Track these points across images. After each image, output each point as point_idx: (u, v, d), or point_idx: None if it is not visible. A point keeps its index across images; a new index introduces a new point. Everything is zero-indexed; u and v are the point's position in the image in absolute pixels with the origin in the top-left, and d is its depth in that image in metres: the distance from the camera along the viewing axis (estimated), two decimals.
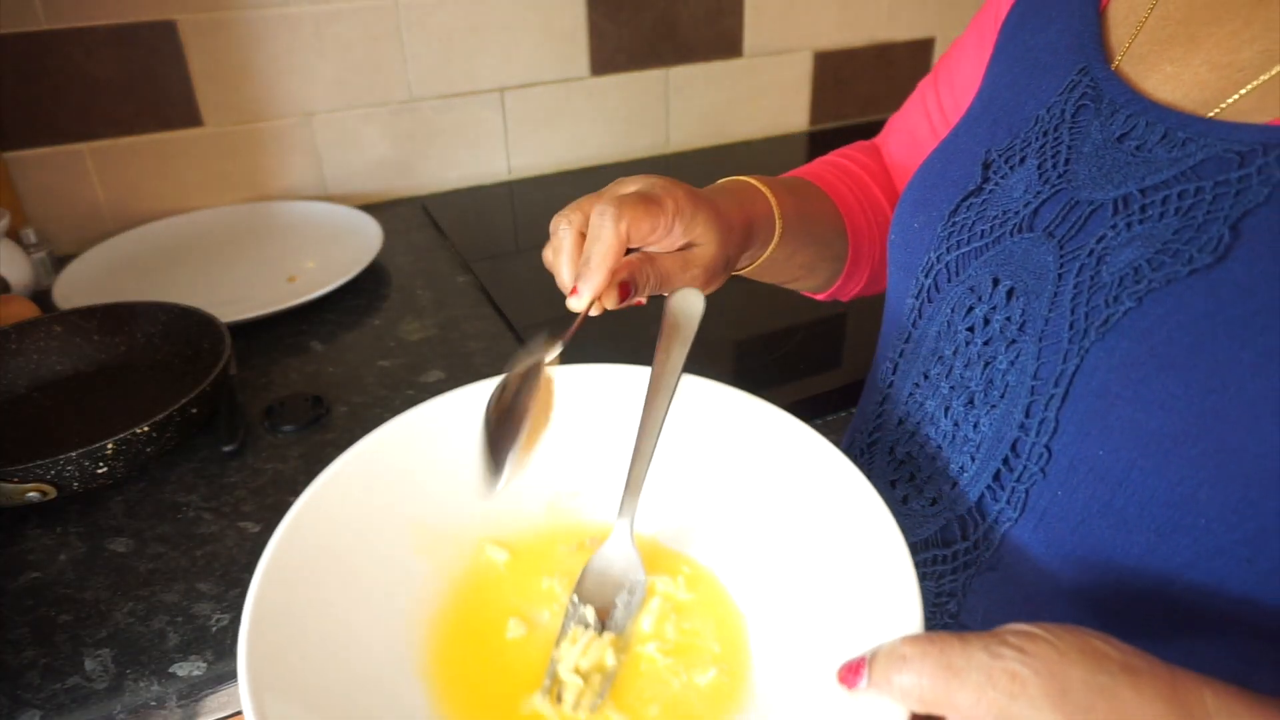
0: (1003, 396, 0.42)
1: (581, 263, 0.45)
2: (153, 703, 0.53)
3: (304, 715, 0.33)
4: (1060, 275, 0.40)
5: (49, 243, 1.01)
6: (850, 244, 0.65)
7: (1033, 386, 0.40)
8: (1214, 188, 0.36)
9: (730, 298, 1.01)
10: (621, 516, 0.43)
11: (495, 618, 0.42)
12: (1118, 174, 0.40)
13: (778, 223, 0.56)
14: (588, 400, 0.49)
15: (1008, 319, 0.42)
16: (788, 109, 1.42)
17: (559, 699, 0.37)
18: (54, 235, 1.04)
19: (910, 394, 0.48)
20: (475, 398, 0.47)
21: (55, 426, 0.74)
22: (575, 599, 0.42)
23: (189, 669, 0.54)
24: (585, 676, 0.38)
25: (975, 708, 0.30)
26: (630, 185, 0.48)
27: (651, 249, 0.48)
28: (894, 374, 0.50)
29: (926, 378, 0.46)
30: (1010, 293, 0.42)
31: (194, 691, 0.54)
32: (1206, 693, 0.30)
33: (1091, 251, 0.39)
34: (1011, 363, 0.41)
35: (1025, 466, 0.41)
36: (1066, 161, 0.42)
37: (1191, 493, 0.35)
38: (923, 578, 0.46)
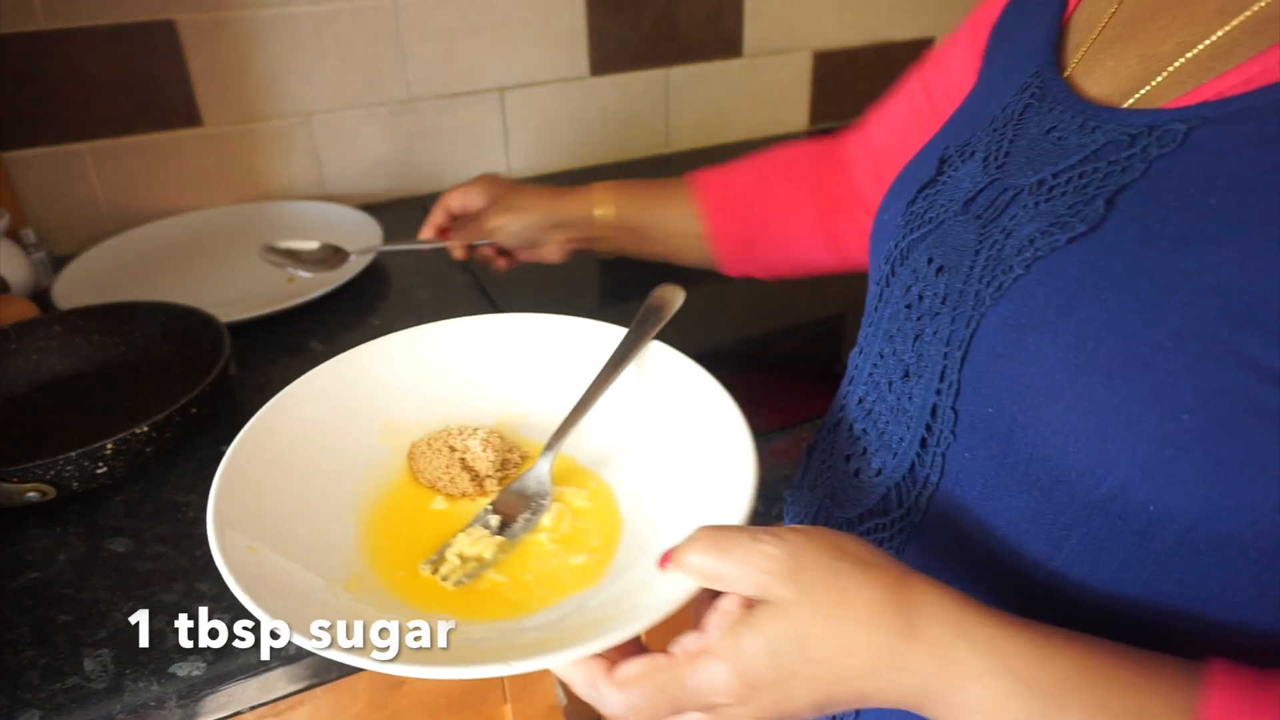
0: (926, 366, 0.45)
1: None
2: (152, 703, 0.53)
3: (252, 548, 0.44)
4: (978, 251, 0.43)
5: (48, 243, 1.01)
6: (708, 228, 0.77)
7: (945, 353, 0.43)
8: (1106, 167, 0.39)
9: (731, 298, 1.02)
10: (547, 451, 0.53)
11: (428, 494, 0.54)
12: (1038, 161, 0.43)
13: (601, 194, 0.79)
14: (553, 345, 0.60)
15: (935, 294, 0.45)
16: (787, 109, 1.42)
17: (435, 570, 0.48)
18: (54, 235, 1.04)
19: (870, 374, 0.51)
20: (457, 330, 0.61)
21: (55, 426, 0.74)
22: (489, 507, 0.52)
23: (188, 669, 0.54)
24: (464, 560, 0.48)
25: (740, 581, 0.37)
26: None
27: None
28: (859, 355, 0.53)
29: (882, 356, 0.49)
30: (940, 270, 0.45)
31: (193, 692, 0.54)
32: (927, 591, 0.36)
33: (1003, 229, 0.42)
34: (934, 334, 0.44)
35: (940, 430, 0.44)
36: (1006, 154, 0.45)
37: (1062, 446, 0.37)
38: None
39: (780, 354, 0.89)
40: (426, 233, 0.85)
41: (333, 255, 0.95)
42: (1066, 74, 0.46)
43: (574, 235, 0.81)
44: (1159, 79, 0.40)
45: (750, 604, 0.37)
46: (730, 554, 0.37)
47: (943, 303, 0.44)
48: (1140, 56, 0.42)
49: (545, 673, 0.71)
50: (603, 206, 0.78)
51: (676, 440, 0.52)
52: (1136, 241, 0.36)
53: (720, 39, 1.31)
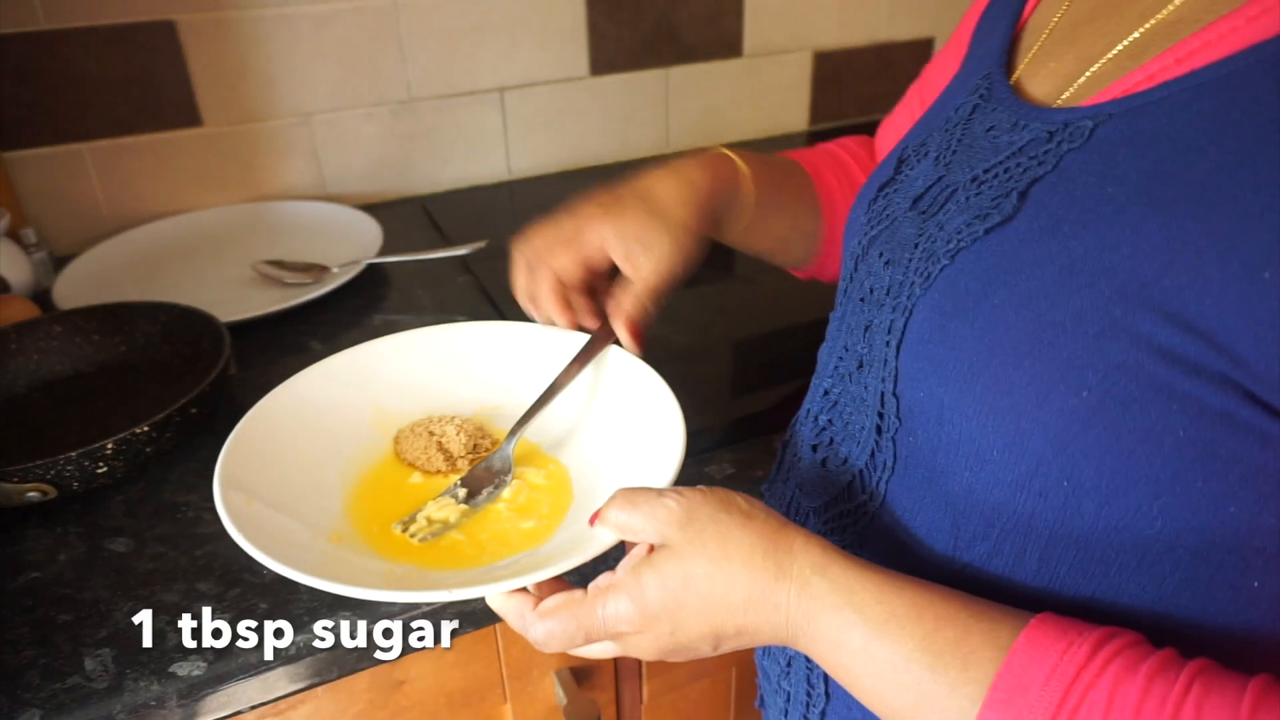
0: (874, 356, 0.47)
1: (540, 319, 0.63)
2: (152, 702, 0.53)
3: (250, 501, 0.51)
4: (917, 244, 0.45)
5: (49, 243, 1.01)
6: (825, 224, 0.70)
7: (886, 341, 0.46)
8: (1026, 162, 0.41)
9: (731, 298, 1.02)
10: (511, 435, 0.59)
11: (407, 471, 0.60)
12: (975, 158, 0.45)
13: (749, 190, 0.64)
14: (526, 348, 0.65)
15: (881, 287, 0.47)
16: (787, 109, 1.42)
17: (405, 529, 0.54)
18: (54, 235, 1.04)
19: (835, 367, 0.53)
20: (446, 333, 0.66)
21: (55, 426, 0.74)
22: (458, 481, 0.57)
23: (189, 669, 0.54)
24: (431, 522, 0.54)
25: (644, 531, 0.43)
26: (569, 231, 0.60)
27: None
28: (826, 350, 0.55)
29: (846, 350, 0.51)
30: (887, 264, 0.48)
31: (194, 691, 0.54)
32: (797, 538, 0.41)
33: (939, 223, 0.45)
34: (879, 324, 0.47)
35: (888, 416, 0.46)
36: (953, 152, 0.47)
37: (981, 427, 0.40)
38: (831, 532, 0.51)
39: (780, 354, 0.89)
40: (554, 305, 0.61)
41: (320, 270, 0.97)
42: (1015, 76, 0.48)
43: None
44: (1083, 79, 0.43)
45: (653, 550, 0.43)
46: (639, 508, 0.43)
47: (886, 294, 0.47)
48: (1077, 58, 0.44)
49: (546, 674, 0.71)
50: (748, 189, 0.64)
51: (624, 428, 0.59)
52: (1044, 230, 0.39)
53: (720, 39, 1.31)
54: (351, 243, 1.03)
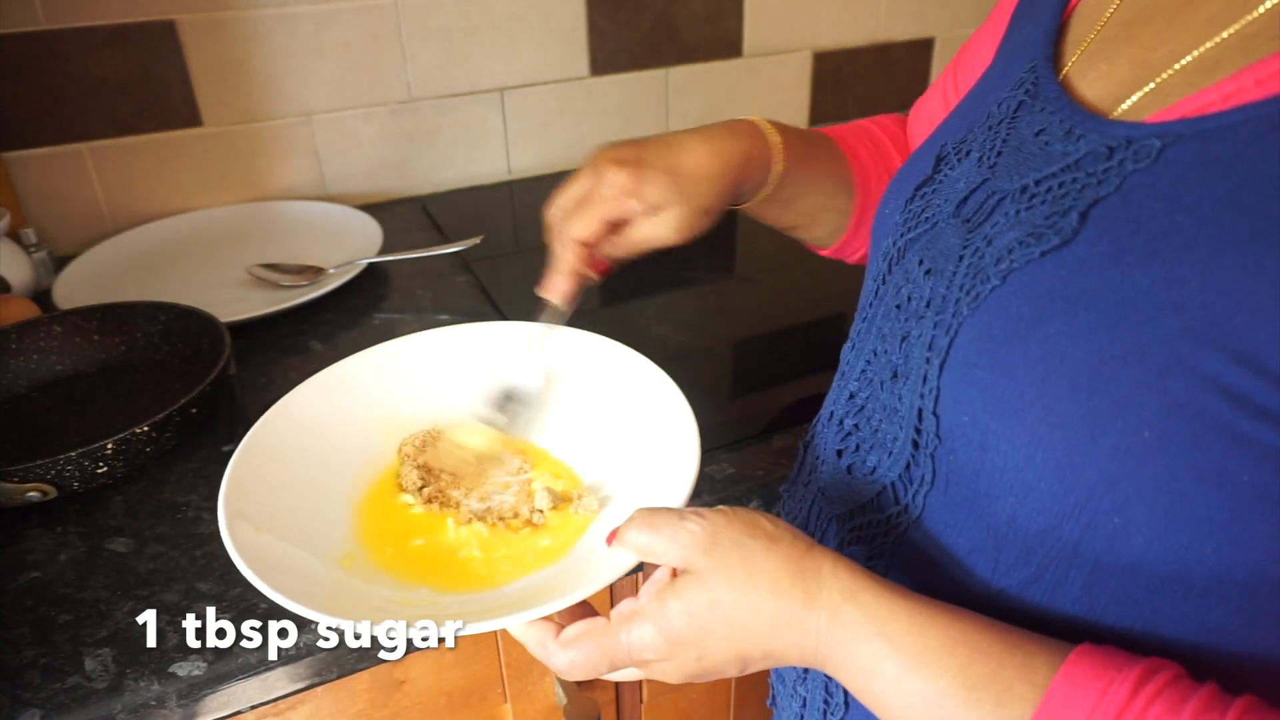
0: (913, 369, 0.45)
1: (547, 279, 0.59)
2: (153, 702, 0.53)
3: (258, 531, 0.49)
4: (961, 256, 0.43)
5: (49, 243, 1.01)
6: (857, 202, 0.67)
7: (926, 358, 0.44)
8: (1084, 178, 0.39)
9: (731, 298, 1.02)
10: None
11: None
12: (1025, 166, 0.43)
13: (778, 163, 0.61)
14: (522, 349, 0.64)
15: (921, 297, 0.45)
16: (787, 109, 1.42)
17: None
18: (54, 235, 1.04)
19: (862, 370, 0.51)
20: (453, 337, 0.65)
21: (55, 426, 0.74)
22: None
23: (189, 669, 0.54)
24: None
25: (666, 554, 0.42)
26: (589, 184, 0.57)
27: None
28: (851, 351, 0.53)
29: (875, 355, 0.50)
30: (928, 273, 0.45)
31: (194, 691, 0.54)
32: (826, 562, 0.40)
33: (986, 236, 0.42)
34: (918, 337, 0.45)
35: (927, 433, 0.44)
36: (998, 154, 0.45)
37: (1030, 457, 0.38)
38: (856, 541, 0.50)
39: (780, 354, 0.89)
40: (563, 285, 0.59)
41: (314, 271, 0.97)
42: (1064, 73, 0.45)
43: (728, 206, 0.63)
44: (1146, 89, 0.40)
45: (676, 574, 0.42)
46: (660, 531, 0.42)
47: (927, 306, 0.45)
48: (1132, 63, 0.42)
49: (546, 674, 0.71)
50: (778, 164, 0.62)
51: (641, 444, 0.57)
52: (1106, 256, 0.37)
53: (720, 39, 1.31)
54: (351, 243, 1.03)
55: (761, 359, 0.89)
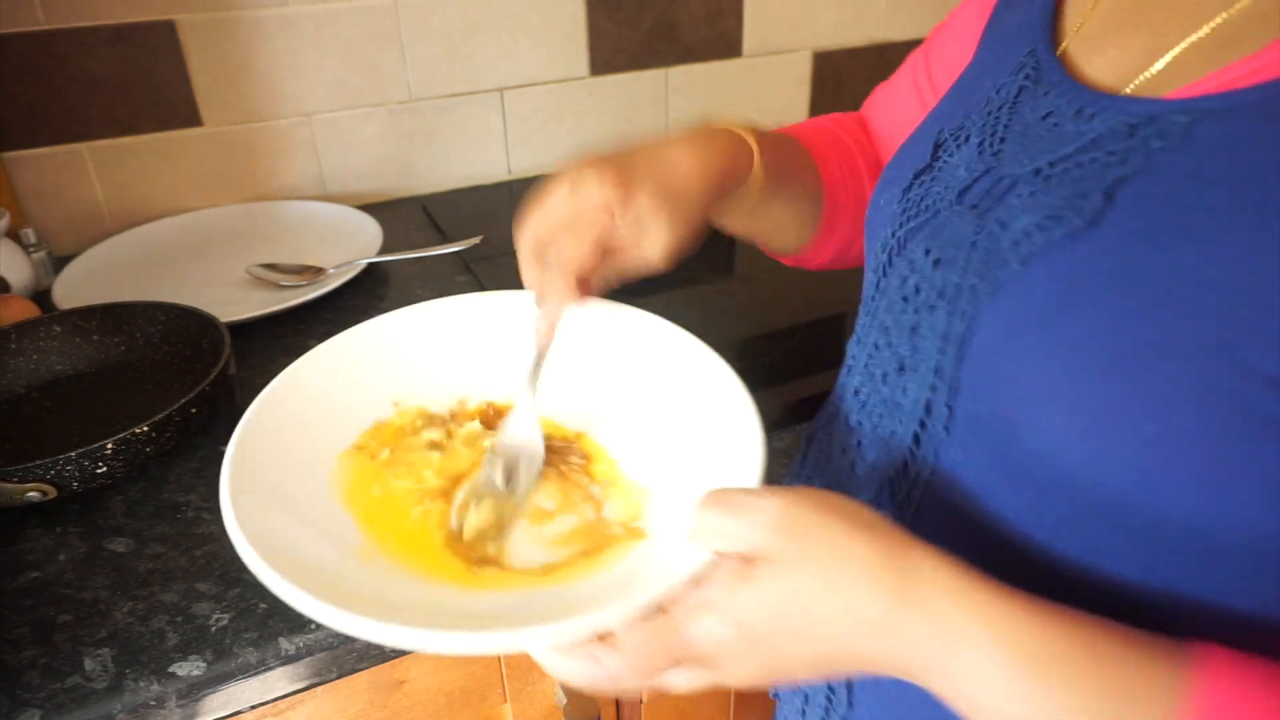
0: (921, 361, 0.44)
1: (540, 316, 0.55)
2: (152, 702, 0.53)
3: (265, 509, 0.45)
4: (974, 244, 0.42)
5: (48, 243, 1.01)
6: (825, 210, 0.65)
7: (940, 348, 0.42)
8: (1104, 157, 0.37)
9: (730, 298, 1.02)
10: (522, 402, 0.55)
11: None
12: (1034, 149, 0.41)
13: (755, 173, 0.57)
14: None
15: (931, 288, 0.44)
16: (787, 109, 1.42)
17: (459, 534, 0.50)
18: (53, 235, 1.04)
19: (865, 365, 0.50)
20: (465, 305, 0.62)
21: (55, 426, 0.74)
22: (487, 458, 0.54)
23: (189, 669, 0.54)
24: (482, 534, 0.49)
25: (739, 538, 0.37)
26: (569, 208, 0.52)
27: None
28: (856, 345, 0.52)
29: (878, 348, 0.48)
30: (936, 262, 0.44)
31: (194, 691, 0.54)
32: (924, 556, 0.36)
33: (1000, 220, 0.41)
34: (930, 328, 0.43)
35: (934, 427, 0.42)
36: (1001, 140, 0.44)
37: (1059, 447, 0.36)
38: None
39: (780, 353, 0.89)
40: (554, 316, 0.55)
41: (313, 271, 0.97)
42: (1060, 50, 0.44)
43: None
44: (1159, 65, 0.39)
45: (749, 560, 0.37)
46: (732, 511, 0.38)
47: (939, 296, 0.43)
48: (1145, 47, 0.41)
49: (546, 674, 0.71)
50: (757, 173, 0.58)
51: (690, 427, 0.52)
52: (1135, 238, 0.35)
53: (720, 39, 1.31)
54: (351, 243, 1.03)
55: (761, 359, 0.89)
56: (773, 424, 0.76)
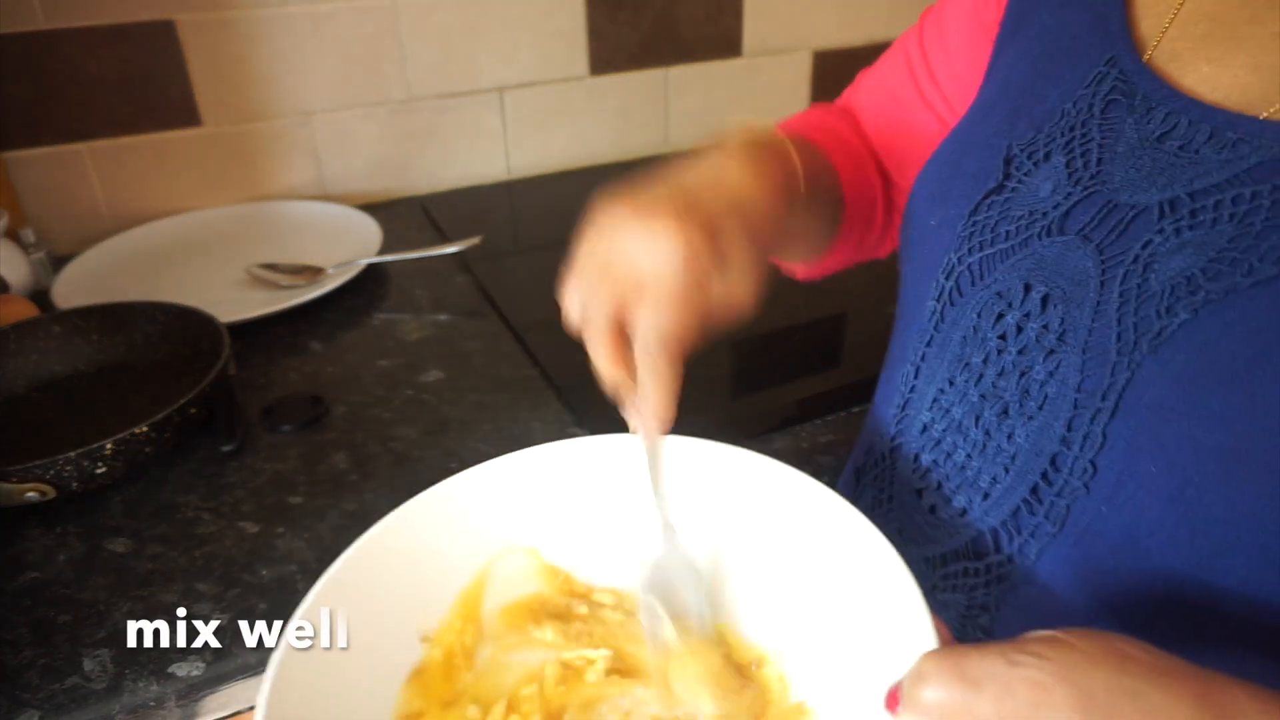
0: (1041, 408, 0.40)
1: (644, 414, 0.42)
2: (151, 703, 0.53)
3: None
4: (1103, 283, 0.38)
5: (48, 243, 1.01)
6: (845, 216, 0.61)
7: (1075, 399, 0.38)
8: (1271, 192, 0.34)
9: None
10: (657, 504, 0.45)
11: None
12: (1161, 176, 0.38)
13: (802, 183, 0.50)
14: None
15: (1044, 327, 0.40)
16: (787, 109, 1.41)
17: None
18: (53, 235, 1.04)
19: (935, 400, 0.46)
20: (479, 480, 0.49)
21: (54, 426, 0.74)
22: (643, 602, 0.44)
23: (188, 669, 0.54)
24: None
25: (996, 719, 0.29)
26: (647, 260, 0.40)
27: None
28: (916, 378, 0.48)
29: (952, 384, 0.45)
30: (1045, 299, 0.40)
31: (193, 692, 0.54)
32: (1240, 694, 0.29)
33: (1136, 258, 0.37)
34: (1051, 373, 0.39)
35: (1066, 481, 0.39)
36: (1099, 161, 0.40)
37: (1250, 509, 0.33)
38: (952, 589, 0.45)
39: (780, 354, 0.89)
40: (668, 411, 0.43)
41: (313, 271, 0.97)
42: (1147, 58, 0.41)
43: None
44: None
45: None
46: (981, 687, 0.29)
47: (1060, 339, 0.39)
48: (1253, 66, 0.38)
49: None
50: (801, 185, 0.51)
51: (793, 560, 0.45)
52: None
53: (719, 39, 1.31)
54: (350, 243, 1.03)
55: (761, 359, 0.89)
56: (773, 425, 0.76)
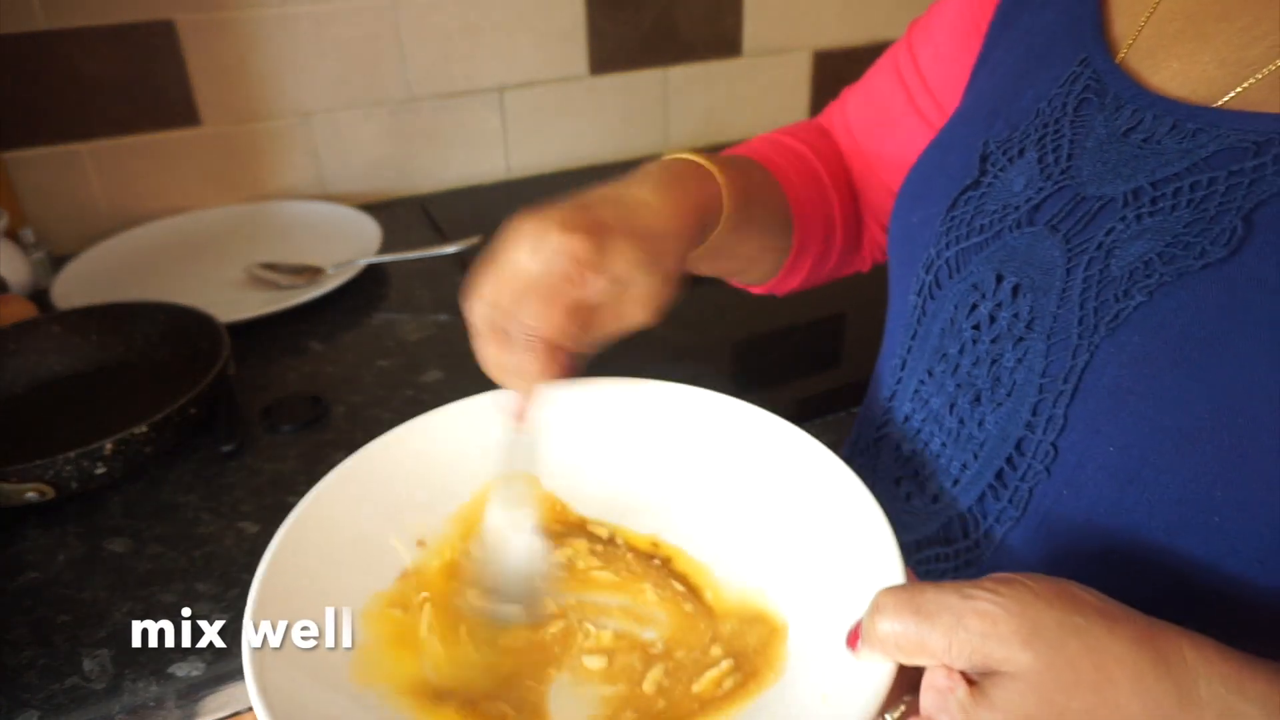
0: (1009, 394, 0.41)
1: (516, 397, 0.46)
2: (151, 703, 0.53)
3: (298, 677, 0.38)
4: (1069, 270, 0.39)
5: (47, 243, 1.01)
6: (796, 234, 0.61)
7: (1040, 384, 0.39)
8: (1227, 178, 0.35)
9: (730, 298, 1.01)
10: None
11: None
12: (1125, 168, 0.39)
13: (726, 209, 0.52)
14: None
15: (1014, 316, 0.41)
16: (787, 109, 1.42)
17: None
18: (52, 235, 1.04)
19: (916, 391, 0.47)
20: (478, 408, 0.51)
21: (54, 426, 0.74)
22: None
23: (187, 669, 0.54)
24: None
25: (948, 651, 0.30)
26: (539, 266, 0.42)
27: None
28: (901, 370, 0.49)
29: (931, 375, 0.46)
30: (1016, 289, 0.41)
31: (192, 692, 0.54)
32: (1185, 643, 0.30)
33: (1100, 245, 0.38)
34: (1019, 360, 0.40)
35: (1030, 465, 0.40)
36: (1069, 156, 0.41)
37: (1206, 491, 0.34)
38: (924, 575, 0.46)
39: (780, 354, 0.89)
40: (529, 377, 0.44)
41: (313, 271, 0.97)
42: (1117, 60, 0.42)
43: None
44: (1251, 81, 0.37)
45: (969, 679, 0.30)
46: (935, 618, 0.30)
47: (1028, 327, 0.40)
48: (1220, 61, 0.39)
49: None
50: (727, 208, 0.52)
51: (775, 500, 0.46)
52: None
53: (719, 38, 1.31)
54: (350, 243, 1.03)
55: (762, 359, 0.89)
56: None
